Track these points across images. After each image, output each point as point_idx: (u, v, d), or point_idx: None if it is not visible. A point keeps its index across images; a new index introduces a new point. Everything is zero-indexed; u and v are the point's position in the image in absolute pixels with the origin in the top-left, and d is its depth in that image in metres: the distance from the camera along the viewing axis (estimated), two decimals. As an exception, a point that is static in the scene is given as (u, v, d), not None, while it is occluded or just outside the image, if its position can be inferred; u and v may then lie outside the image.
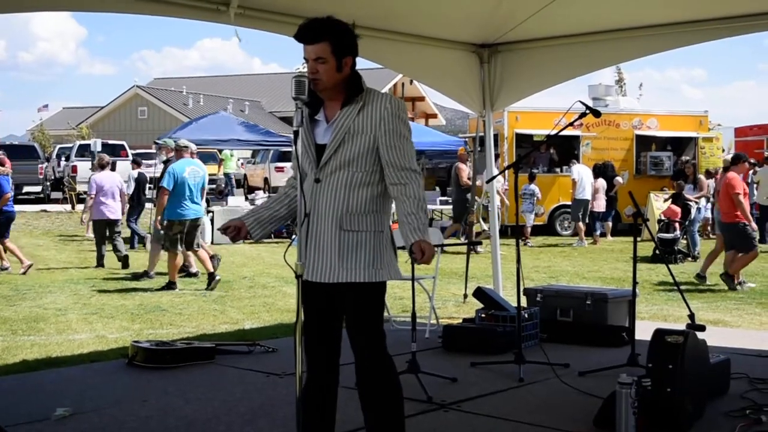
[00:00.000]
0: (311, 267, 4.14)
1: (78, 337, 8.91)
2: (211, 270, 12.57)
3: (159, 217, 12.69)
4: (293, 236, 20.56)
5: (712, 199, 18.91)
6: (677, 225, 16.82)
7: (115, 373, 7.06)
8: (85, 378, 6.89)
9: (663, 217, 17.48)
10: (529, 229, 20.45)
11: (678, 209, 17.04)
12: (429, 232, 4.20)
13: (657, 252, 15.94)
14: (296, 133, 4.11)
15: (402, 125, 4.18)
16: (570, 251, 18.51)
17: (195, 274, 13.62)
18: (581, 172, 20.08)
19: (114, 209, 15.33)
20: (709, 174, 20.75)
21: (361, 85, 4.21)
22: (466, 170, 18.63)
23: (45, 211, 27.37)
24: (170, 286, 12.41)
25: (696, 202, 17.22)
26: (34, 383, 6.75)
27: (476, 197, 16.40)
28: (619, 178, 20.33)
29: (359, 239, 4.12)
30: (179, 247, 12.56)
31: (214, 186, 27.04)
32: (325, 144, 4.17)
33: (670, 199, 17.75)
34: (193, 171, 12.66)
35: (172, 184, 12.36)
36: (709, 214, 19.48)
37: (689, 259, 16.53)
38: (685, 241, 17.14)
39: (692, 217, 17.03)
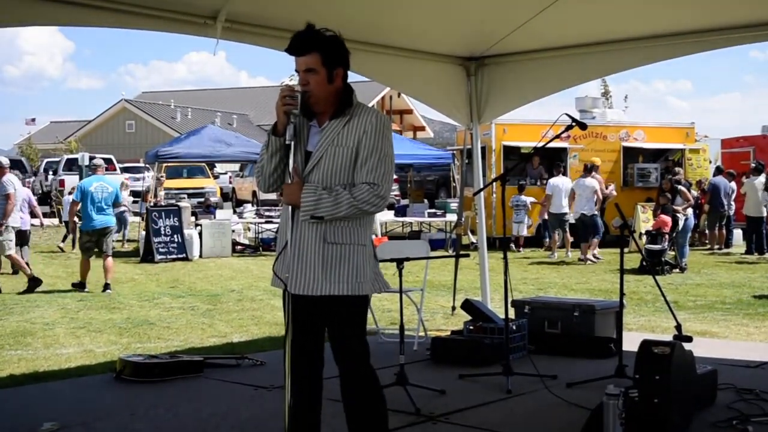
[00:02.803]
0: (295, 280, 4.14)
1: (65, 351, 8.88)
2: (108, 282, 13.91)
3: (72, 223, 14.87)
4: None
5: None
6: (666, 236, 16.79)
7: (102, 387, 7.04)
8: (73, 392, 6.87)
9: (652, 230, 17.42)
10: (522, 239, 20.68)
11: (668, 219, 17.03)
12: (317, 204, 4.05)
13: (644, 263, 15.98)
14: (288, 147, 4.15)
15: (384, 142, 4.15)
16: (557, 263, 18.55)
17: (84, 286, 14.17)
18: (557, 185, 19.92)
19: (25, 220, 16.36)
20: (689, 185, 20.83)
21: (352, 99, 4.22)
22: (602, 181, 18.43)
23: (32, 225, 27.25)
24: (81, 285, 13.96)
25: (684, 214, 17.20)
26: (21, 398, 6.72)
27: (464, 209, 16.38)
28: (613, 191, 20.38)
29: (343, 252, 4.13)
30: (91, 254, 14.14)
31: (202, 200, 27.07)
32: (311, 151, 4.20)
33: (659, 211, 17.74)
34: (101, 186, 14.23)
35: (79, 196, 14.20)
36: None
37: (676, 270, 16.52)
38: (672, 252, 17.14)
39: (680, 228, 17.04)
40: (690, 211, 17.50)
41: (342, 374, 4.25)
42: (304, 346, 4.27)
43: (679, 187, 17.54)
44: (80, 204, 14.19)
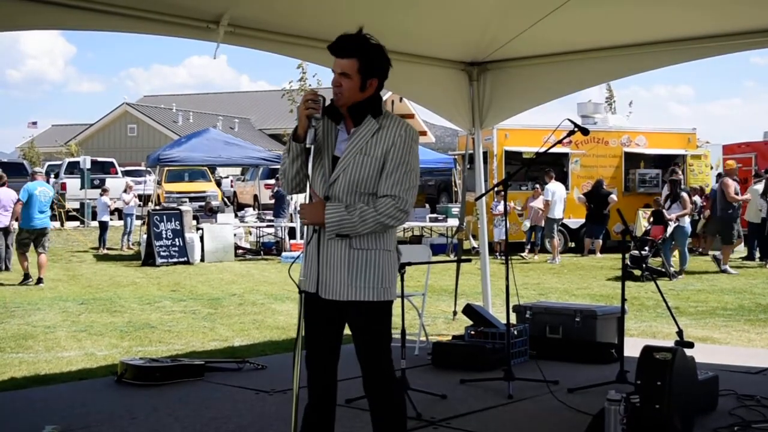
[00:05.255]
0: (322, 284, 4.17)
1: (67, 354, 8.88)
2: (41, 276, 15.45)
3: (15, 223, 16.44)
4: (282, 253, 20.54)
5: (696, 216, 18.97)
6: (651, 243, 16.53)
7: (104, 390, 7.04)
8: (74, 395, 6.86)
9: (643, 237, 17.23)
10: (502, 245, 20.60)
11: (662, 229, 16.95)
12: (342, 225, 4.07)
13: (627, 266, 15.88)
14: (308, 151, 4.18)
15: (410, 156, 4.16)
16: (559, 268, 18.56)
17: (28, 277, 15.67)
18: (555, 191, 20.33)
19: (6, 220, 17.49)
20: (693, 191, 20.82)
21: (381, 108, 4.24)
22: (732, 186, 18.12)
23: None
24: (25, 278, 15.52)
25: (677, 220, 16.96)
26: (22, 401, 6.73)
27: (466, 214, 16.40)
28: (613, 196, 20.45)
29: (369, 258, 4.15)
30: (28, 249, 15.68)
31: (203, 204, 27.07)
32: (338, 156, 4.21)
33: (652, 219, 17.63)
34: (43, 191, 15.84)
35: (26, 197, 15.64)
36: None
37: (665, 278, 15.97)
38: (660, 259, 16.90)
39: (666, 235, 16.92)
40: (687, 218, 17.24)
41: (366, 377, 4.26)
42: (325, 350, 4.30)
43: (682, 194, 17.36)
44: (23, 204, 15.68)
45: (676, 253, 17.13)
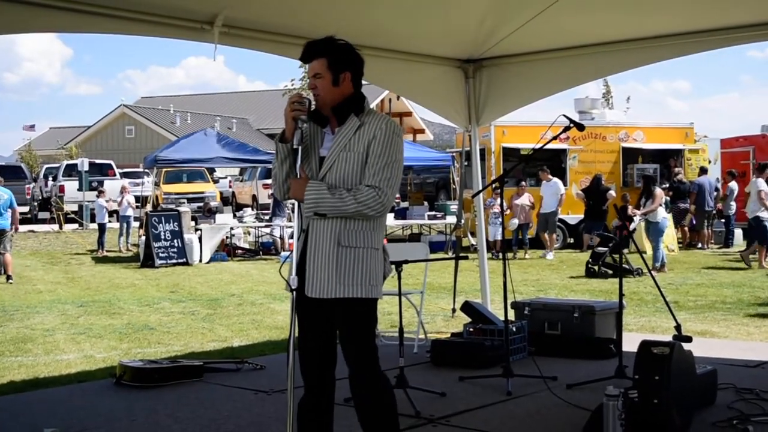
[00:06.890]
0: (309, 282, 4.19)
1: (66, 357, 8.88)
2: (9, 273, 16.25)
3: None
4: (281, 253, 20.54)
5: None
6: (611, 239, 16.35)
7: (103, 392, 7.03)
8: (73, 398, 6.86)
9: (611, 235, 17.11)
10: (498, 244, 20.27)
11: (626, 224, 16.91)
12: (319, 201, 4.10)
13: (588, 265, 15.93)
14: (296, 152, 4.23)
15: (391, 148, 4.19)
16: (558, 264, 18.55)
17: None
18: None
19: None
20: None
21: (364, 105, 4.29)
22: None
23: (32, 231, 27.29)
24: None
25: (643, 216, 16.83)
26: (21, 404, 6.72)
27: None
28: (612, 192, 20.46)
29: (356, 255, 4.17)
30: None
31: (202, 204, 27.06)
32: (324, 156, 4.26)
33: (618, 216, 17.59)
34: None
35: None
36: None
37: (633, 275, 15.29)
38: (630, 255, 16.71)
39: (632, 228, 16.83)
40: (662, 212, 17.00)
41: (352, 375, 4.27)
42: (318, 350, 4.32)
43: (656, 189, 17.09)
44: None
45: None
